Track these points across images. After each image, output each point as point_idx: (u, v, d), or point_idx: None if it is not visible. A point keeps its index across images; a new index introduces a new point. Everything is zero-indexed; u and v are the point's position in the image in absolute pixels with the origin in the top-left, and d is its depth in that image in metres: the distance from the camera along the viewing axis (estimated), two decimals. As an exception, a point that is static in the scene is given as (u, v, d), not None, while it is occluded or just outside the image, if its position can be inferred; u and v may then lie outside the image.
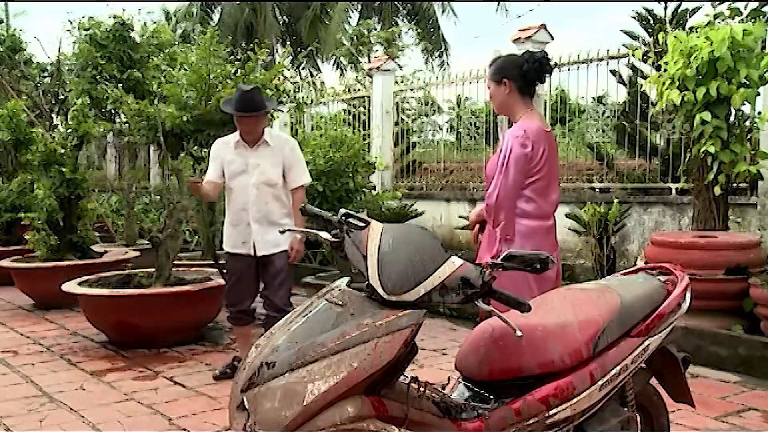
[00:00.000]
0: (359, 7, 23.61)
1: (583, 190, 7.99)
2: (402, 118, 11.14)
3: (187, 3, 24.36)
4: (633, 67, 7.98)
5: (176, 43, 9.54)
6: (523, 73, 3.17)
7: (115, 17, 8.64)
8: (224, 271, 4.85)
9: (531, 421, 2.20)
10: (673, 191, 7.11)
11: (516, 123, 3.22)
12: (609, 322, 2.40)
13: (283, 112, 8.43)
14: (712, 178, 5.53)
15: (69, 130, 7.36)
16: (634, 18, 8.33)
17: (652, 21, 8.18)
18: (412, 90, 11.36)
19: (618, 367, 2.38)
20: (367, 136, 9.76)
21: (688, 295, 2.71)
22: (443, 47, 23.53)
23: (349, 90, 11.79)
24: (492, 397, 2.23)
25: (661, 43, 6.53)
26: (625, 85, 8.09)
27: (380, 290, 1.97)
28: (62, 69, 10.65)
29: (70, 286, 5.77)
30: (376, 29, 19.56)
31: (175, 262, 5.91)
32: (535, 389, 2.23)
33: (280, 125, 11.06)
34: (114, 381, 4.65)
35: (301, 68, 21.68)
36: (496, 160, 3.19)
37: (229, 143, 4.49)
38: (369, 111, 10.51)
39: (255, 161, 4.39)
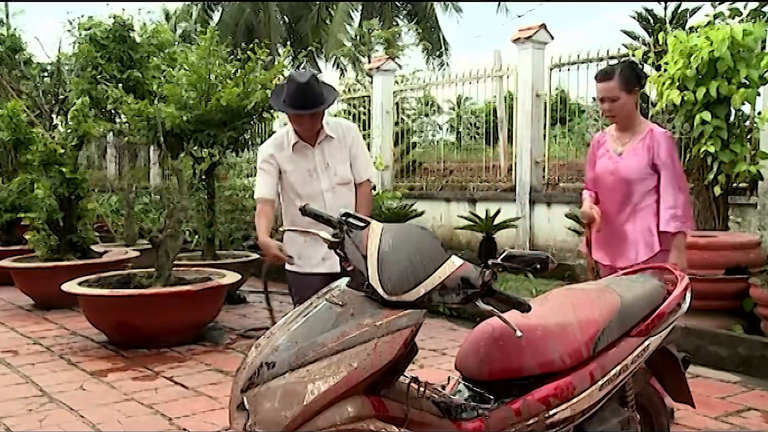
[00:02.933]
0: (360, 7, 23.62)
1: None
2: (402, 118, 11.14)
3: (187, 3, 24.38)
4: (633, 67, 7.97)
5: (176, 43, 9.55)
6: (641, 83, 3.51)
7: (114, 17, 8.65)
8: (290, 292, 3.82)
9: (531, 421, 2.20)
10: (673, 191, 7.10)
11: (642, 125, 3.52)
12: (609, 322, 2.40)
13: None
14: (712, 178, 5.52)
15: (69, 130, 7.36)
16: (634, 18, 8.36)
17: (652, 21, 8.20)
18: (412, 90, 11.36)
19: (618, 367, 2.39)
20: (367, 136, 9.76)
21: (688, 295, 2.72)
22: (443, 47, 23.56)
23: (349, 90, 11.78)
24: (492, 397, 2.24)
25: (661, 43, 6.52)
26: (625, 85, 8.07)
27: (380, 290, 1.97)
28: (62, 69, 10.66)
29: (70, 286, 5.76)
30: (377, 29, 19.56)
31: (175, 262, 5.91)
32: (535, 389, 2.23)
33: (279, 124, 11.06)
34: (114, 381, 4.65)
35: (301, 68, 21.69)
36: (637, 162, 3.43)
37: (283, 145, 3.64)
38: (369, 111, 10.51)
39: (323, 161, 3.62)
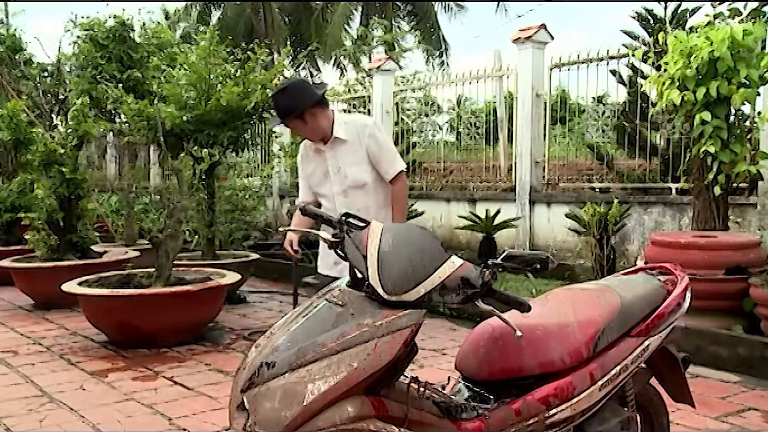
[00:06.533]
0: (360, 7, 23.63)
1: (583, 190, 7.99)
2: (402, 118, 11.14)
3: (187, 3, 24.37)
4: (633, 67, 7.99)
5: (176, 43, 9.56)
6: None
7: (115, 17, 8.66)
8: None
9: (531, 421, 2.19)
10: (673, 191, 7.11)
11: None
12: (609, 322, 2.40)
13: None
14: (712, 178, 5.52)
15: (69, 130, 7.36)
16: (634, 18, 8.33)
17: (652, 21, 8.19)
18: (412, 90, 11.36)
19: (618, 367, 2.38)
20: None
21: (688, 295, 2.71)
22: (443, 47, 23.57)
23: (349, 90, 11.78)
24: (492, 397, 2.23)
25: (661, 43, 6.53)
26: (625, 85, 8.09)
27: (380, 290, 1.96)
28: (62, 69, 10.67)
29: (70, 286, 5.76)
30: (380, 29, 19.54)
31: (175, 262, 5.91)
32: (535, 389, 2.23)
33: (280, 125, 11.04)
34: (114, 381, 4.65)
35: (301, 68, 21.70)
36: None
37: (306, 145, 3.76)
38: (369, 111, 10.51)
39: (334, 163, 3.63)
